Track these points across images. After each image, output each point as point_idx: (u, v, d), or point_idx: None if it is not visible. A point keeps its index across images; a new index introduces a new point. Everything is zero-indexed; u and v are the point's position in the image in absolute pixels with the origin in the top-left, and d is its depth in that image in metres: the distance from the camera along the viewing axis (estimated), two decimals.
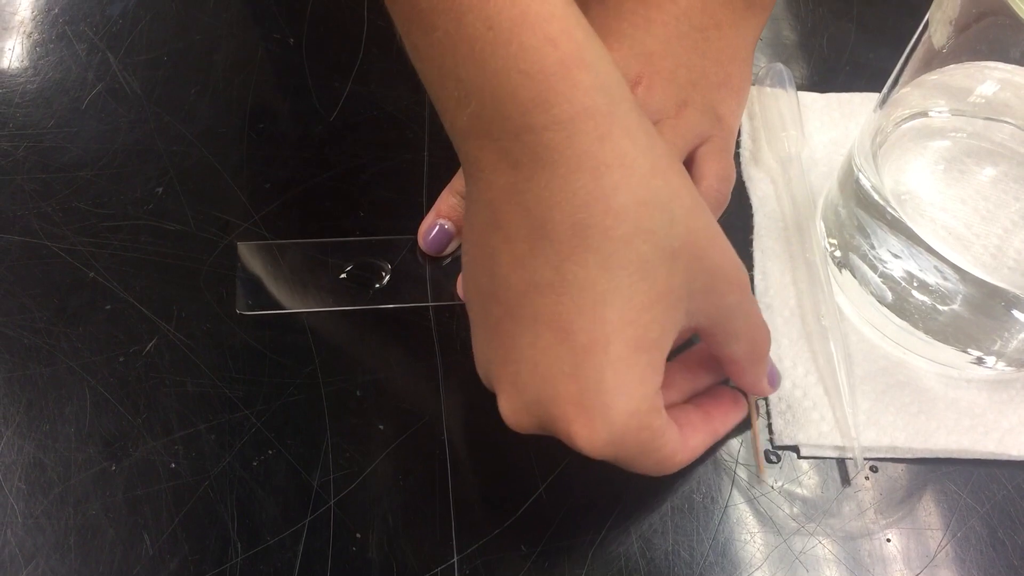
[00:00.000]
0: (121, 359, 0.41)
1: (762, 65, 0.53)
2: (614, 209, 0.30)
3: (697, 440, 0.38)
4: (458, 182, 0.43)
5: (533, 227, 0.31)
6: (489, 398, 0.41)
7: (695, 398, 0.40)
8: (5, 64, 0.51)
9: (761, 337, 0.37)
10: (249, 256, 0.44)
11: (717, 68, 0.46)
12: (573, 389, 0.31)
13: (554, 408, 0.32)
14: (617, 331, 0.31)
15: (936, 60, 0.39)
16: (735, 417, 0.40)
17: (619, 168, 0.30)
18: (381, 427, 0.40)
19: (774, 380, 0.40)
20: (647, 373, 0.32)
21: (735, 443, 0.41)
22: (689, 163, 0.45)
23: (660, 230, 0.31)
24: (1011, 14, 0.33)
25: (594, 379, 0.31)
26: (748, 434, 0.41)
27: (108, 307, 0.42)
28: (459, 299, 0.44)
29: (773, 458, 0.41)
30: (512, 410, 0.34)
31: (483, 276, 0.33)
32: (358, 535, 0.38)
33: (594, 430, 0.32)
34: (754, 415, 0.41)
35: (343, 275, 0.44)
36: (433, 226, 0.43)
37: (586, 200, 0.30)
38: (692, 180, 0.43)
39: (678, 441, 0.35)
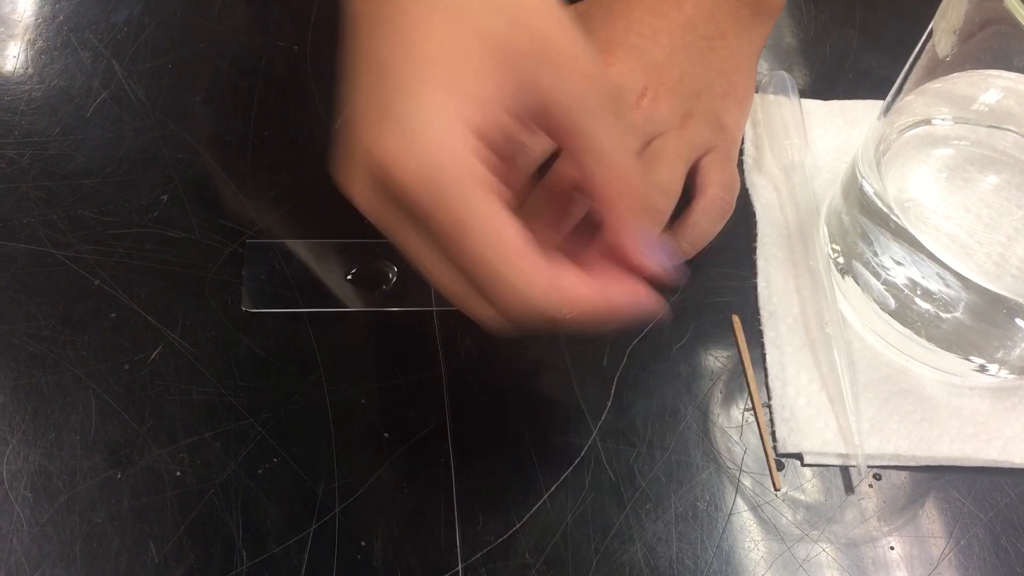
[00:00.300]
0: (126, 367, 0.41)
1: (765, 72, 0.53)
2: None
3: (573, 282, 0.31)
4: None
5: None
6: (495, 406, 0.41)
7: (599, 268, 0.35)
8: (10, 71, 0.51)
9: (623, 164, 0.33)
10: (256, 254, 0.44)
11: (722, 78, 0.46)
12: (379, 111, 0.30)
13: (370, 143, 0.30)
14: (439, 67, 0.30)
15: (940, 68, 0.40)
16: (635, 294, 0.33)
17: None
18: (386, 435, 0.40)
19: (656, 255, 0.34)
20: (469, 116, 0.30)
21: (739, 451, 0.41)
22: (694, 173, 0.45)
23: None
24: (1014, 23, 0.33)
25: (413, 107, 0.29)
26: (754, 443, 0.41)
27: (113, 315, 0.42)
28: None
29: (776, 465, 0.41)
30: (344, 169, 0.32)
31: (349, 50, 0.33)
32: (363, 543, 0.38)
33: (405, 154, 0.29)
34: (764, 428, 0.41)
35: (349, 276, 0.44)
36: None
37: None
38: (697, 190, 0.43)
39: (513, 233, 0.30)
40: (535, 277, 0.30)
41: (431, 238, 0.31)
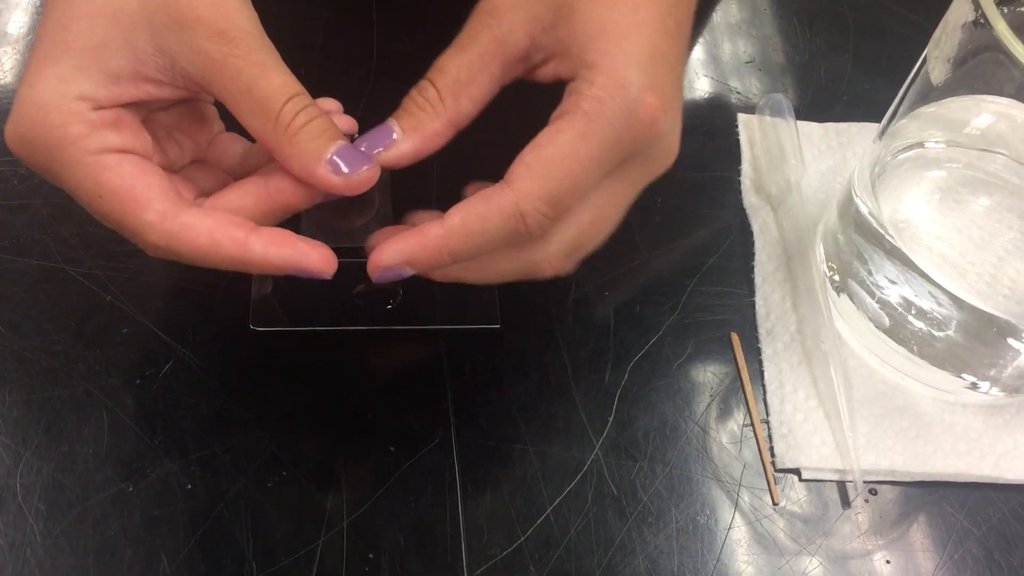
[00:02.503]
0: (138, 381, 0.42)
1: (755, 94, 0.54)
2: None
3: (192, 220, 0.33)
4: (460, 240, 0.34)
5: None
6: (499, 421, 0.42)
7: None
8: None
9: (269, 92, 0.33)
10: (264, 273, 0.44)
11: (682, 62, 0.36)
12: (16, 96, 0.32)
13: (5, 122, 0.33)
14: (48, 34, 0.32)
15: (933, 93, 0.41)
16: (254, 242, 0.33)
17: None
18: (392, 449, 0.41)
19: (330, 174, 0.33)
20: (69, 73, 0.32)
21: (738, 466, 0.42)
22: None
23: None
24: (1005, 51, 0.34)
25: (25, 76, 0.32)
26: (752, 458, 0.42)
27: (124, 330, 0.43)
28: (471, 322, 0.45)
29: (774, 480, 0.42)
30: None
31: None
32: (371, 555, 0.38)
33: (13, 126, 0.32)
34: (763, 443, 0.42)
35: (355, 294, 0.45)
36: (394, 269, 0.35)
37: None
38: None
39: (110, 199, 0.32)
40: (142, 208, 0.32)
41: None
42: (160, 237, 0.32)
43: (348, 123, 0.39)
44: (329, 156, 0.33)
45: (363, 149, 0.34)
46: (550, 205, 0.32)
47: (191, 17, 0.32)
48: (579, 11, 0.33)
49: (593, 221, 0.35)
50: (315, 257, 0.34)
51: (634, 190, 0.35)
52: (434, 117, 0.35)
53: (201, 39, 0.32)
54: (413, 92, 0.36)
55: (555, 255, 0.35)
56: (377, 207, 0.38)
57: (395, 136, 0.35)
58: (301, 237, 0.34)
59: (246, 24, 0.33)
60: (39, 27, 0.33)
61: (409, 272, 0.35)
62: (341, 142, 0.33)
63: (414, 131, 0.35)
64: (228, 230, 0.33)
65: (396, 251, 0.34)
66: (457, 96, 0.35)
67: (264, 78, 0.33)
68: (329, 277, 0.34)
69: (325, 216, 0.38)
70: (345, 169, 0.33)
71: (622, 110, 0.32)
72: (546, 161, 0.32)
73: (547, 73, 0.35)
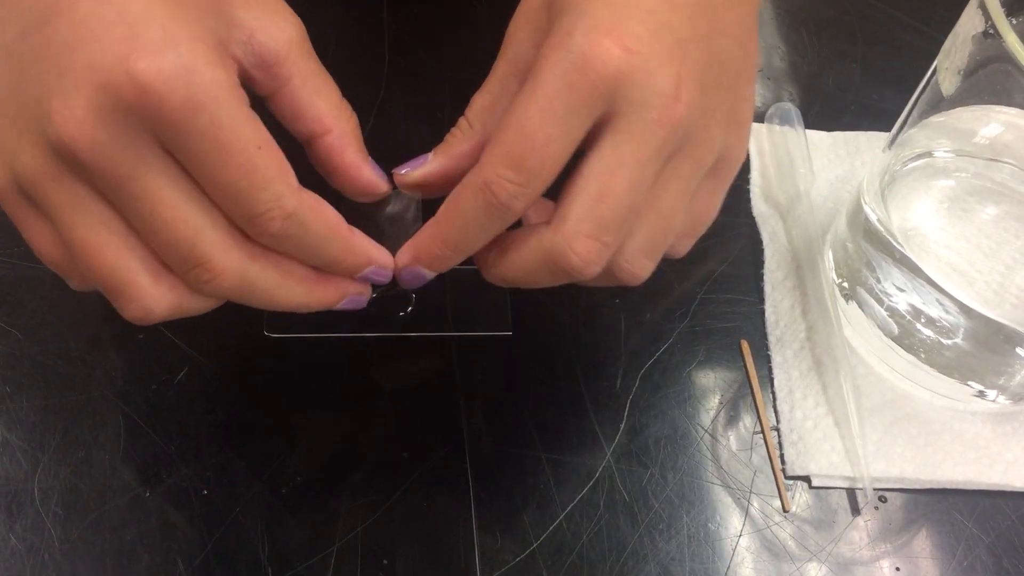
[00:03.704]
0: (154, 387, 0.42)
1: (764, 103, 0.54)
2: None
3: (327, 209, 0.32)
4: (447, 231, 0.34)
5: None
6: (512, 428, 0.42)
7: None
8: None
9: (333, 83, 0.34)
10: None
11: (736, 47, 0.34)
12: (123, 30, 0.28)
13: (105, 59, 0.28)
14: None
15: (942, 103, 0.41)
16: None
17: None
18: (405, 455, 0.41)
19: (374, 170, 0.35)
20: (205, 21, 0.29)
21: (748, 473, 0.42)
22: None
23: None
24: (1014, 62, 0.35)
25: (144, 12, 0.28)
26: (762, 465, 0.42)
27: (140, 336, 0.43)
28: (480, 330, 0.45)
29: (784, 486, 0.42)
30: (73, 120, 0.28)
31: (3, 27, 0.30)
32: (385, 561, 0.39)
33: (151, 53, 0.27)
34: (773, 451, 0.42)
35: (369, 301, 0.45)
36: (412, 271, 0.35)
37: None
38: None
39: (267, 145, 0.30)
40: (289, 172, 0.31)
41: (176, 166, 0.29)
42: (300, 203, 0.31)
43: None
44: (372, 161, 0.35)
45: (398, 171, 0.36)
46: (512, 168, 0.31)
47: (272, 1, 0.32)
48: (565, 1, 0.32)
49: (602, 190, 0.31)
50: (390, 260, 0.35)
51: (641, 147, 0.31)
52: (463, 140, 0.35)
53: (284, 20, 0.32)
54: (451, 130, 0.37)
55: (572, 236, 0.31)
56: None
57: (428, 158, 0.35)
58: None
59: (301, 23, 0.34)
60: None
61: (427, 272, 0.35)
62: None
63: (444, 153, 0.35)
64: (341, 216, 0.33)
65: (404, 250, 0.35)
66: (483, 121, 0.35)
67: (324, 69, 0.34)
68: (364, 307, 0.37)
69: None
70: (381, 174, 0.35)
71: (566, 58, 0.30)
72: (501, 127, 0.31)
73: None
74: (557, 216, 0.32)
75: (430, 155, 0.35)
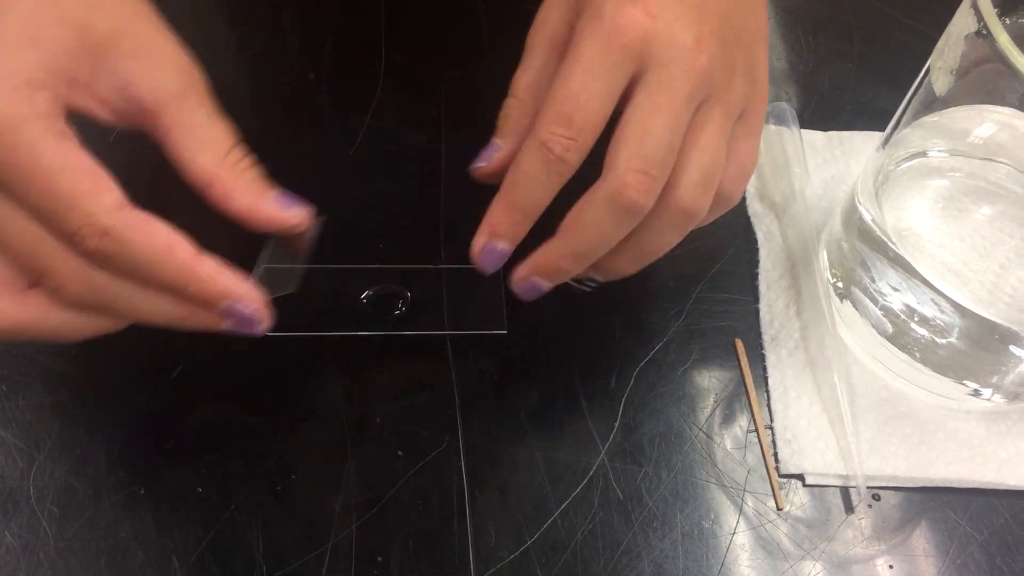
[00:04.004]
0: (149, 385, 0.42)
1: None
2: None
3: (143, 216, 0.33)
4: (512, 194, 0.37)
5: None
6: (506, 426, 0.42)
7: None
8: None
9: (220, 134, 0.35)
10: (272, 279, 0.45)
11: (751, 15, 0.39)
12: None
13: None
14: (13, 29, 0.32)
15: (936, 103, 0.41)
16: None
17: None
18: (400, 453, 0.42)
19: (279, 209, 0.35)
20: (36, 65, 0.32)
21: (742, 471, 0.42)
22: None
23: None
24: (1006, 62, 0.35)
25: None
26: (756, 463, 0.42)
27: (136, 334, 0.43)
28: (476, 328, 0.45)
29: (778, 485, 0.42)
30: None
31: None
32: (379, 558, 0.39)
33: None
34: (768, 449, 0.43)
35: (363, 299, 0.45)
36: (487, 246, 0.38)
37: None
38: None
39: (73, 166, 0.31)
40: (103, 190, 0.31)
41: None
42: (114, 221, 0.31)
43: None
44: (272, 194, 0.35)
45: (478, 165, 0.39)
46: (563, 125, 0.35)
47: (157, 50, 0.34)
48: None
49: (643, 132, 0.35)
50: (256, 300, 0.35)
51: (673, 93, 0.35)
52: (521, 117, 0.38)
53: (166, 72, 0.34)
54: (501, 111, 0.39)
55: (624, 173, 0.35)
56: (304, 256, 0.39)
57: (499, 145, 0.38)
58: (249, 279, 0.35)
59: (198, 73, 0.35)
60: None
61: (502, 245, 0.37)
62: (276, 190, 0.36)
63: (510, 134, 0.38)
64: (183, 240, 0.33)
65: (479, 230, 0.38)
66: (533, 94, 0.38)
67: (216, 118, 0.35)
68: (260, 333, 0.36)
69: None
70: (288, 205, 0.36)
71: (599, 28, 0.34)
72: (551, 94, 0.35)
73: None
74: (607, 165, 0.35)
75: (497, 141, 0.39)
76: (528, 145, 0.36)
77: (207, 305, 0.34)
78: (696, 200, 0.36)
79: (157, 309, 0.34)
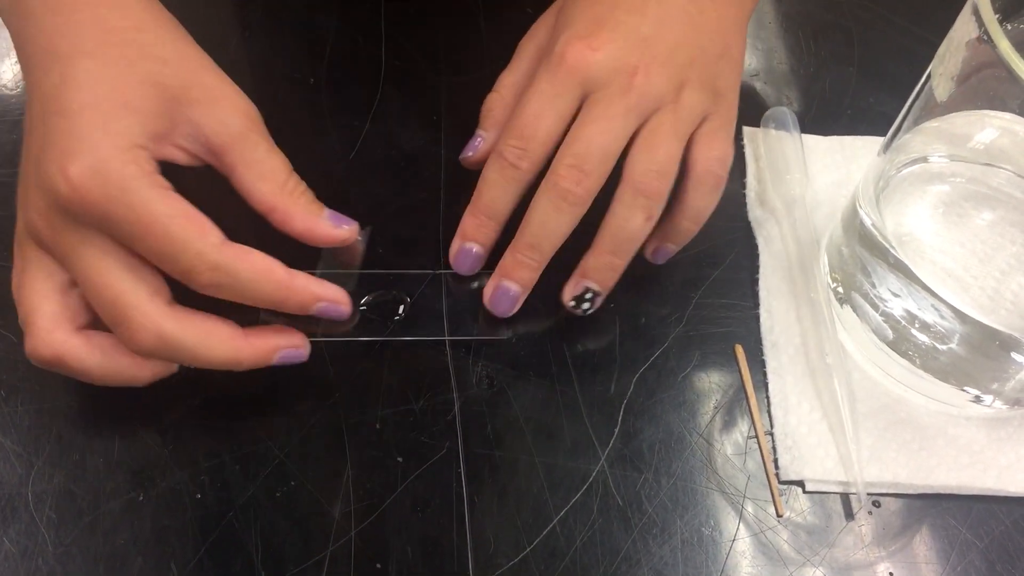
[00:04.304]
0: (148, 391, 0.42)
1: (760, 107, 0.54)
2: (108, 27, 0.38)
3: (247, 250, 0.38)
4: (478, 201, 0.44)
5: (45, 54, 0.38)
6: (505, 432, 0.42)
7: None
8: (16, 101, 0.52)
9: (278, 166, 0.40)
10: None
11: (715, 40, 0.45)
12: (65, 144, 0.36)
13: (52, 167, 0.36)
14: (106, 97, 0.37)
15: (937, 108, 0.41)
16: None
17: (114, 4, 0.39)
18: (400, 459, 0.41)
19: (331, 221, 0.41)
20: (134, 127, 0.37)
21: (742, 477, 0.42)
22: (688, 144, 0.44)
23: (150, 43, 0.39)
24: (1007, 68, 0.35)
25: (83, 129, 0.36)
26: (756, 469, 0.42)
27: None
28: (476, 333, 0.45)
29: (778, 491, 0.42)
30: (37, 209, 0.37)
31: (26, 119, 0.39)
32: (378, 565, 0.39)
33: (78, 163, 0.35)
34: (768, 455, 0.43)
35: (362, 305, 0.45)
36: (461, 249, 0.45)
37: (84, 24, 0.38)
38: (688, 164, 0.44)
39: (182, 214, 0.37)
40: (207, 231, 0.37)
41: (115, 242, 0.37)
42: (222, 256, 0.37)
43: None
44: (326, 214, 0.41)
45: (467, 154, 0.47)
46: (515, 137, 0.43)
47: (220, 96, 0.39)
48: (566, 8, 0.45)
49: (577, 135, 0.42)
50: (342, 295, 0.41)
51: (607, 106, 0.42)
52: (503, 110, 0.46)
53: (228, 114, 0.39)
54: (484, 104, 0.47)
55: (557, 167, 0.42)
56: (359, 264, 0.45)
57: (483, 136, 0.47)
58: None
59: (256, 113, 0.40)
60: (89, 88, 0.37)
61: (474, 247, 0.45)
62: (329, 210, 0.42)
63: (492, 126, 0.46)
64: (276, 262, 0.39)
65: (455, 239, 0.46)
66: (514, 92, 0.46)
67: (275, 152, 0.40)
68: (347, 320, 0.42)
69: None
70: (341, 222, 0.41)
71: (551, 59, 0.43)
72: (511, 115, 0.44)
73: None
74: (550, 167, 0.42)
75: (481, 132, 0.47)
76: (489, 159, 0.43)
77: (304, 310, 0.40)
78: (649, 183, 0.42)
79: (214, 354, 0.39)
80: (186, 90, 0.38)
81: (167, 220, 0.36)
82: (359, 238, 0.42)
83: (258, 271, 0.38)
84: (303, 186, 0.41)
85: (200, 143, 0.39)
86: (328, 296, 0.40)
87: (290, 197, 0.40)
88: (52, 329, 0.38)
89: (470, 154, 0.46)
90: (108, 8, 0.39)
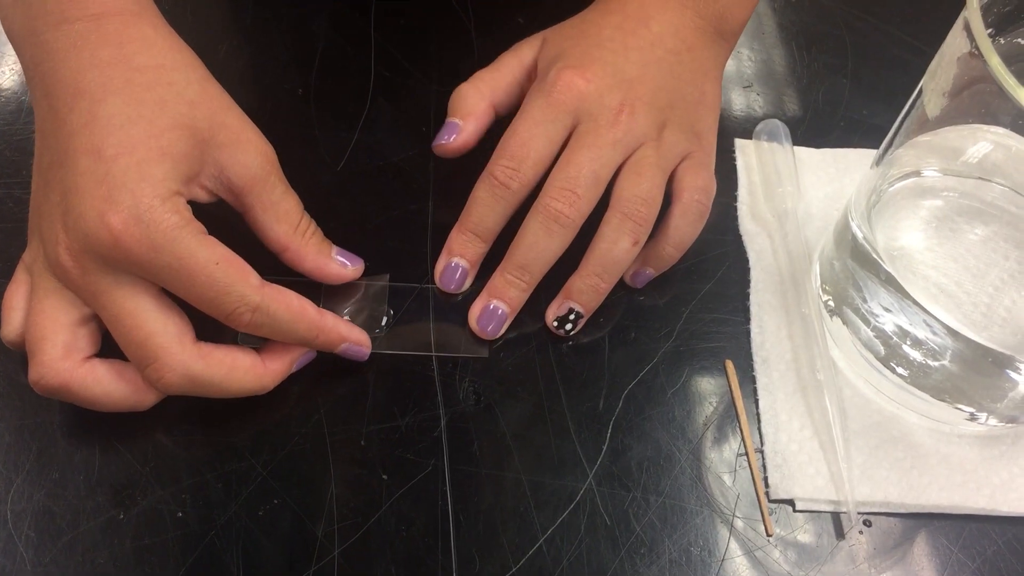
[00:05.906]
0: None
1: (752, 119, 0.54)
2: (135, 66, 0.39)
3: (282, 291, 0.40)
4: (466, 218, 0.45)
5: (69, 90, 0.38)
6: (492, 449, 0.42)
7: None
8: (14, 111, 0.52)
9: (292, 207, 0.42)
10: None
11: (692, 87, 0.47)
12: (104, 190, 0.36)
13: (90, 213, 0.36)
14: (142, 142, 0.37)
15: (930, 123, 0.41)
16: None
17: (140, 42, 0.39)
18: (384, 477, 0.41)
19: (339, 267, 0.44)
20: (171, 173, 0.37)
21: (732, 496, 0.42)
22: (672, 179, 0.46)
23: (178, 83, 0.39)
24: (998, 84, 0.34)
25: (121, 175, 0.36)
26: (746, 488, 0.42)
27: (118, 356, 0.43)
28: (462, 351, 0.45)
29: (768, 510, 0.41)
30: (68, 250, 0.37)
31: (43, 152, 0.39)
32: None
33: (121, 212, 0.36)
34: (757, 474, 0.42)
35: (344, 316, 0.45)
36: (447, 265, 0.46)
37: (110, 62, 0.38)
38: (674, 195, 0.46)
39: (223, 259, 0.38)
40: (248, 275, 0.38)
41: (146, 284, 0.38)
42: (263, 297, 0.38)
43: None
44: (335, 254, 0.44)
45: (442, 141, 0.47)
46: (507, 158, 0.44)
47: (244, 139, 0.41)
48: (551, 41, 0.48)
49: (567, 162, 0.44)
50: (365, 338, 0.43)
51: (595, 138, 0.44)
52: (479, 101, 0.47)
53: (251, 157, 0.41)
54: (455, 91, 0.48)
55: (548, 191, 0.44)
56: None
57: (458, 123, 0.47)
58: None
59: (273, 153, 0.42)
60: (123, 129, 0.37)
61: (461, 263, 0.46)
62: (336, 247, 0.44)
63: (469, 115, 0.47)
64: (308, 301, 0.41)
65: (442, 255, 0.47)
66: (491, 88, 0.48)
67: (290, 194, 0.43)
68: (366, 358, 0.44)
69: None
70: (348, 261, 0.44)
71: (544, 85, 0.45)
72: (502, 140, 0.45)
73: None
74: (542, 191, 0.44)
75: (458, 121, 0.47)
76: (480, 179, 0.45)
77: (330, 349, 0.42)
78: (636, 208, 0.44)
79: (239, 386, 0.40)
80: (213, 133, 0.39)
81: (212, 267, 0.37)
82: (381, 285, 0.46)
83: (293, 311, 0.40)
84: (314, 226, 0.43)
85: (222, 183, 0.40)
86: (353, 338, 0.42)
87: (302, 238, 0.42)
88: (61, 358, 0.38)
89: (445, 140, 0.47)
90: (134, 46, 0.39)
